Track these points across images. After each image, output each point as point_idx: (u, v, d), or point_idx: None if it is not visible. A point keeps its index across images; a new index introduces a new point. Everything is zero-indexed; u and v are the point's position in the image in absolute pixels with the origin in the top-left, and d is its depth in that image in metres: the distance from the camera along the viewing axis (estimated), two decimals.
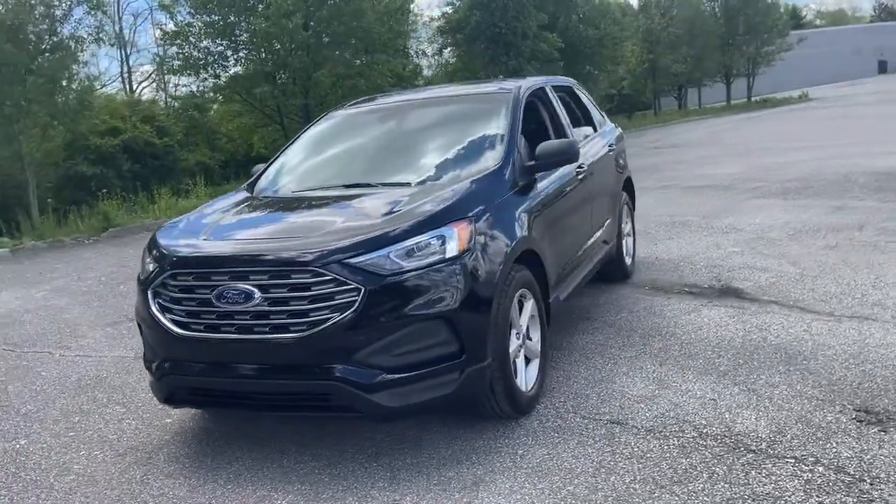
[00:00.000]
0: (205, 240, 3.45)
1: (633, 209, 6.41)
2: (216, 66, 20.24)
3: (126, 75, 29.31)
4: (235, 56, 20.25)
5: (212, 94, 21.30)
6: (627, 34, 34.30)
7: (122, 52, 28.06)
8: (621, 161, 5.93)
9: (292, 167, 4.52)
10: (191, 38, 19.72)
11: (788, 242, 6.72)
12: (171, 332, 3.18)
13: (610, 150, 5.59)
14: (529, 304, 3.63)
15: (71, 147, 19.09)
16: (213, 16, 19.12)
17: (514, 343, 3.46)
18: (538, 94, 4.80)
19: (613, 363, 4.14)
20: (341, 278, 2.92)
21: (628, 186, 6.19)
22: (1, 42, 12.41)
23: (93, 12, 14.83)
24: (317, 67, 19.13)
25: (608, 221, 5.38)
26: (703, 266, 6.17)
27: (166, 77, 26.10)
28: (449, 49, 30.21)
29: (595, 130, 5.70)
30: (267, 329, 3.00)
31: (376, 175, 4.08)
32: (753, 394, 3.54)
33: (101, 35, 15.18)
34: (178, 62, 20.51)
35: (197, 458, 3.46)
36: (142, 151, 20.58)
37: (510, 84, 4.65)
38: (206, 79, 20.73)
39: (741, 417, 3.30)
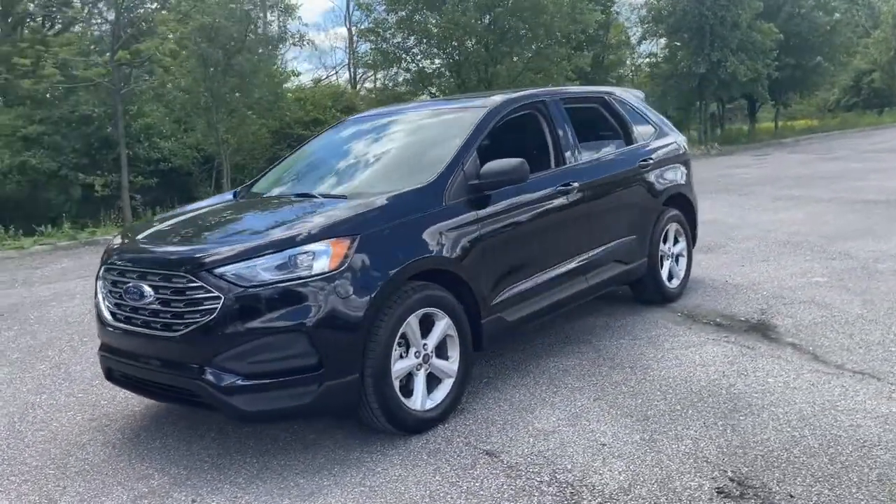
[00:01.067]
0: (139, 238, 3.91)
1: (691, 228, 5.95)
2: (407, 60, 21.30)
3: (352, 68, 31.56)
4: (423, 50, 21.14)
5: (402, 88, 22.46)
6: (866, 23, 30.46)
7: (350, 45, 30.22)
8: (665, 176, 5.54)
9: (284, 170, 4.89)
10: (385, 34, 20.94)
11: (891, 278, 5.85)
12: (104, 320, 3.68)
13: (643, 166, 5.26)
14: (442, 324, 3.65)
15: (277, 134, 21.20)
16: (402, 12, 20.11)
17: (406, 361, 3.52)
18: (534, 109, 4.70)
19: (552, 391, 4.00)
20: (206, 286, 3.20)
21: (681, 203, 5.77)
22: (202, 42, 14.23)
23: (283, 18, 16.49)
24: (495, 62, 19.43)
25: (627, 240, 5.10)
26: (763, 296, 5.60)
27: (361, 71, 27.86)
28: (650, 40, 28.95)
29: (628, 144, 5.40)
30: (158, 326, 3.37)
31: (326, 185, 4.29)
32: (649, 445, 3.28)
33: (291, 36, 16.74)
34: (377, 56, 21.83)
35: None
36: None
37: (487, 100, 4.59)
38: (397, 72, 21.93)
39: (608, 468, 3.09)
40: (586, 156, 4.93)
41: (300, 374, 3.21)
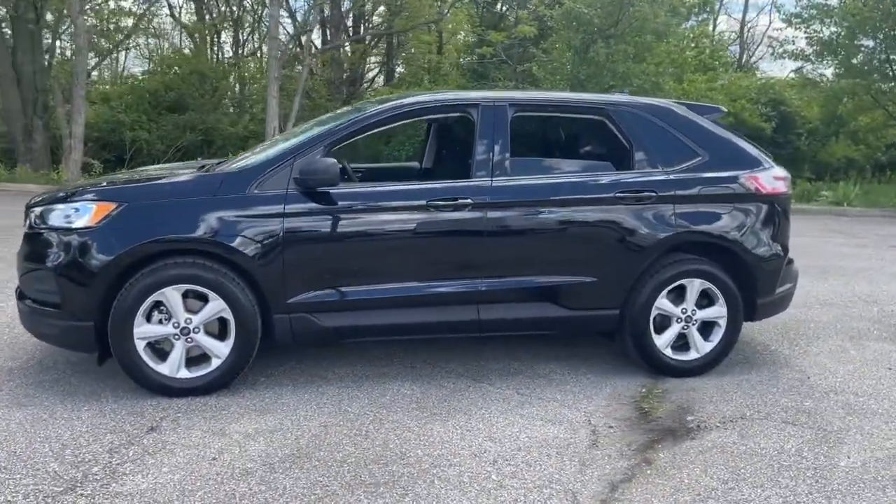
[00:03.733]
0: None
1: (750, 292, 4.50)
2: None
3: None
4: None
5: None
6: None
7: None
8: (685, 215, 4.30)
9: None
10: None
11: None
12: None
13: (623, 198, 4.25)
14: (213, 305, 3.83)
15: None
16: None
17: (160, 328, 3.81)
18: (461, 112, 4.37)
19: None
20: (29, 220, 4.03)
21: (723, 255, 4.44)
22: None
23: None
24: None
25: (576, 281, 4.23)
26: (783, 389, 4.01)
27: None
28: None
29: (624, 169, 4.41)
30: None
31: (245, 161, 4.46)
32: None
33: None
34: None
35: None
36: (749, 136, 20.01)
37: (387, 99, 4.41)
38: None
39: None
40: (523, 172, 4.29)
41: (51, 307, 3.82)
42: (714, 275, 4.39)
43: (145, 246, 3.77)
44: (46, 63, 19.73)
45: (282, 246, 3.87)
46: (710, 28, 28.70)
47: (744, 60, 32.68)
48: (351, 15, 24.03)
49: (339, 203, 3.98)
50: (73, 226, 3.79)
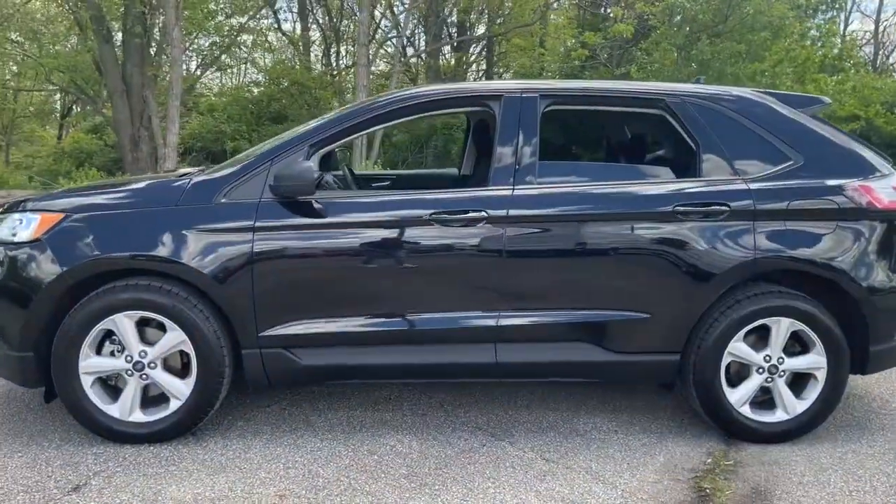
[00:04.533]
0: None
1: (860, 339, 3.45)
2: None
3: None
4: None
5: None
6: None
7: None
8: (773, 236, 3.31)
9: None
10: None
11: None
12: None
13: (684, 213, 3.31)
14: (171, 336, 3.23)
15: None
16: None
17: (111, 361, 3.24)
18: (477, 105, 3.59)
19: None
20: None
21: (823, 288, 3.43)
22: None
23: None
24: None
25: (621, 316, 3.34)
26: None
27: None
28: None
29: (687, 175, 3.49)
30: None
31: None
32: None
33: None
34: None
35: None
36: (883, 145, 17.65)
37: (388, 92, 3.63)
38: None
39: None
40: (556, 179, 3.46)
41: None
42: (809, 313, 3.36)
43: (91, 264, 3.20)
44: (153, 75, 20.35)
45: (251, 266, 3.21)
46: (840, 26, 26.27)
47: (878, 62, 29.83)
48: (448, 22, 23.61)
49: (322, 216, 3.28)
50: (16, 239, 3.28)
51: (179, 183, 3.34)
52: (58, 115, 29.55)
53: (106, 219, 3.26)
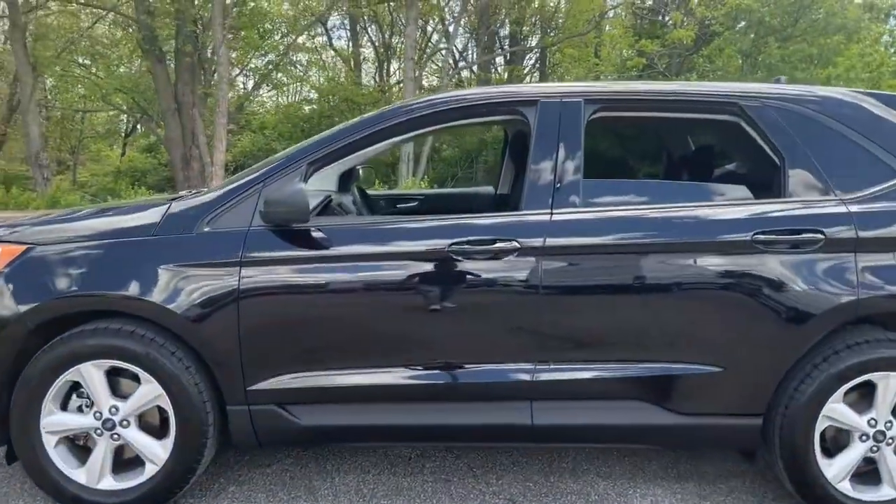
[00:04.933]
0: None
1: None
2: None
3: None
4: None
5: None
6: None
7: None
8: (859, 268, 2.67)
9: None
10: None
11: None
12: None
13: (769, 241, 2.67)
14: (145, 389, 2.74)
15: None
16: None
17: (78, 418, 2.77)
18: (508, 113, 3.00)
19: None
20: None
21: None
22: None
23: None
24: None
25: (686, 370, 2.71)
26: None
27: None
28: None
29: (768, 195, 2.84)
30: None
31: None
32: None
33: None
34: None
35: None
36: None
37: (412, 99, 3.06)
38: None
39: None
40: (604, 201, 2.85)
41: None
42: None
43: (55, 303, 2.73)
44: (203, 93, 20.44)
45: (238, 307, 2.70)
46: None
47: None
48: (501, 36, 23.15)
49: (322, 247, 2.75)
50: None
51: (158, 209, 2.85)
52: (123, 134, 30.23)
53: (73, 252, 2.79)
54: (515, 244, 2.69)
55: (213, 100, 20.69)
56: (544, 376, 2.72)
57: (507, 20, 22.26)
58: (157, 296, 2.68)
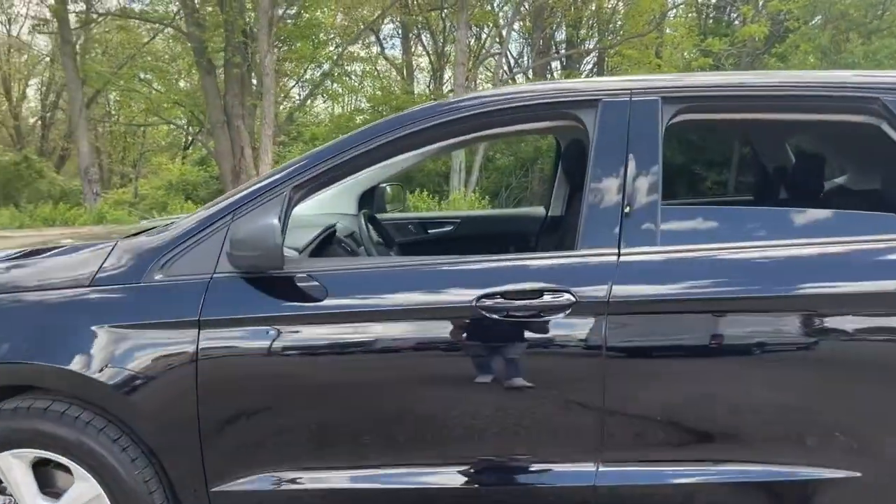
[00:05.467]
0: None
1: None
2: None
3: None
4: None
5: None
6: None
7: None
8: None
9: None
10: None
11: None
12: None
13: None
14: (82, 486, 2.09)
15: None
16: None
17: None
18: (564, 118, 2.24)
19: None
20: None
21: None
22: None
23: None
24: None
25: (817, 474, 1.92)
26: None
27: None
28: None
29: None
30: None
31: None
32: None
33: None
34: None
35: None
36: None
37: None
38: None
39: None
40: (691, 235, 2.09)
41: None
42: None
43: None
44: (252, 105, 20.21)
45: (196, 383, 2.02)
46: None
47: None
48: (557, 41, 22.35)
49: (307, 300, 2.05)
50: None
51: (99, 251, 2.20)
52: (182, 147, 30.48)
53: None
54: (569, 297, 1.94)
55: (261, 111, 20.45)
56: (609, 481, 1.96)
57: (562, 23, 21.43)
58: (90, 366, 2.02)
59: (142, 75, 22.79)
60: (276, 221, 1.93)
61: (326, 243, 2.56)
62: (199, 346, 2.01)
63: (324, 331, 2.01)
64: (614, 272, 1.96)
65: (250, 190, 2.16)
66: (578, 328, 1.94)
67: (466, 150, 15.21)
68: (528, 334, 1.96)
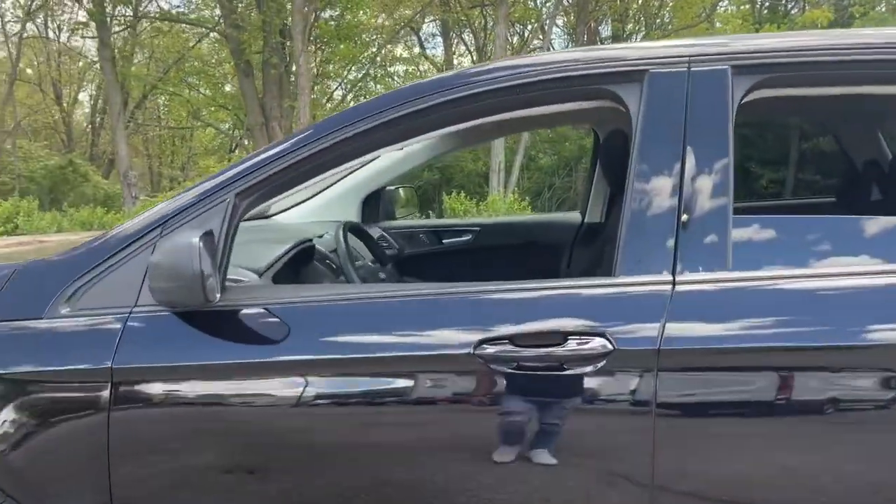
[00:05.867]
0: None
1: None
2: None
3: None
4: None
5: None
6: None
7: None
8: None
9: None
10: None
11: None
12: None
13: None
14: None
15: None
16: None
17: None
18: (604, 99, 1.68)
19: None
20: None
21: None
22: None
23: None
24: None
25: None
26: None
27: None
28: None
29: None
30: None
31: None
32: None
33: None
34: None
35: None
36: None
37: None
38: None
39: None
40: (770, 252, 1.51)
41: None
42: None
43: None
44: (289, 106, 20.00)
45: (108, 451, 1.53)
46: None
47: None
48: (603, 37, 21.59)
49: (254, 342, 1.53)
50: None
51: None
52: (228, 150, 30.62)
53: None
54: (604, 343, 1.39)
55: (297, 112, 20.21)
56: None
57: (608, 17, 20.69)
58: None
59: (189, 79, 22.91)
60: (195, 241, 1.41)
61: (303, 263, 2.05)
62: (113, 404, 1.52)
63: (267, 385, 1.50)
64: (667, 307, 1.40)
65: (185, 199, 1.66)
66: (617, 386, 1.39)
67: (507, 149, 14.63)
68: (546, 395, 1.42)
